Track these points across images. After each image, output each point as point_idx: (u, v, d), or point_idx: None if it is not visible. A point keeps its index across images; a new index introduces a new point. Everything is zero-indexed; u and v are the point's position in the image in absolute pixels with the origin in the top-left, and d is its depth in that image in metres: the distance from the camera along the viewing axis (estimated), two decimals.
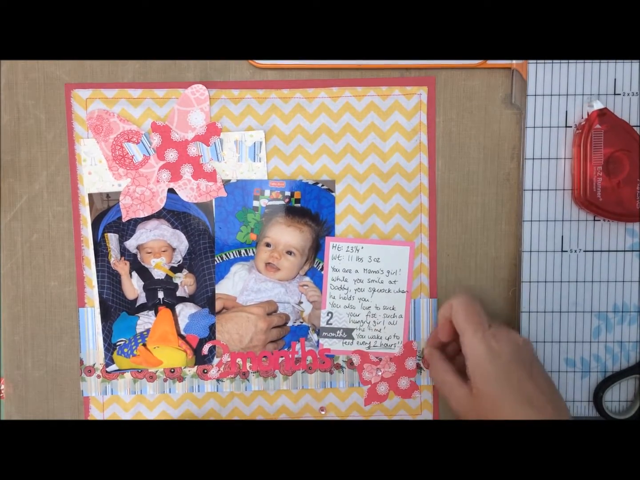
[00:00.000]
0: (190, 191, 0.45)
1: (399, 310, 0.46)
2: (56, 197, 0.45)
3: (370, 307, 0.46)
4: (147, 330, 0.46)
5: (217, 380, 0.46)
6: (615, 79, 0.43)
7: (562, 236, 0.45)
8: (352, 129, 0.45)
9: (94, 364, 0.46)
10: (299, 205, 0.45)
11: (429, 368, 0.45)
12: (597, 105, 0.42)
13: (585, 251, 0.45)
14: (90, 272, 0.45)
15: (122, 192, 0.45)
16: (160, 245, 0.46)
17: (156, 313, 0.46)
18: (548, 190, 0.44)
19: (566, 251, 0.45)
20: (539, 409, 0.37)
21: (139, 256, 0.46)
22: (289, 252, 0.46)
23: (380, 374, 0.46)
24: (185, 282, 0.46)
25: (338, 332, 0.46)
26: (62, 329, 0.46)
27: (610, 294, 0.45)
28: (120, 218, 0.45)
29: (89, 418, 0.46)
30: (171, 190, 0.45)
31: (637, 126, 0.43)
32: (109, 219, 0.45)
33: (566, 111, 0.44)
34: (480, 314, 0.41)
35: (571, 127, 0.44)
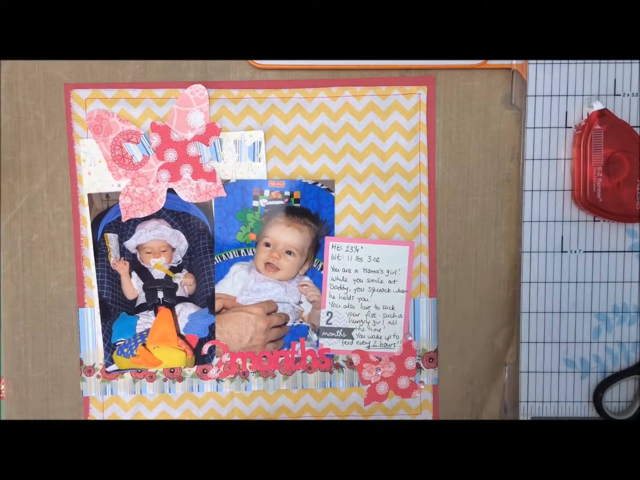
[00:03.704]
0: (189, 191, 0.45)
1: (398, 310, 0.46)
2: (56, 197, 0.45)
3: (369, 306, 0.46)
4: (147, 330, 0.46)
5: (217, 380, 0.46)
6: (615, 80, 0.43)
7: (562, 237, 0.45)
8: (351, 128, 0.45)
9: (94, 364, 0.46)
10: (298, 205, 0.45)
11: None
12: (597, 105, 0.42)
13: (585, 252, 0.45)
14: (90, 272, 0.45)
15: (121, 192, 0.45)
16: (160, 245, 0.46)
17: (156, 313, 0.46)
18: (548, 190, 0.44)
19: (566, 252, 0.45)
20: None
21: (138, 256, 0.46)
22: (289, 252, 0.46)
23: (379, 373, 0.46)
24: (184, 282, 0.46)
25: (338, 331, 0.46)
26: (62, 329, 0.46)
27: (610, 294, 0.45)
28: (119, 218, 0.45)
29: (89, 418, 0.46)
30: (171, 190, 0.45)
31: (637, 127, 0.43)
32: (109, 219, 0.45)
33: (566, 112, 0.44)
34: None
35: (571, 127, 0.44)
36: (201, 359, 0.46)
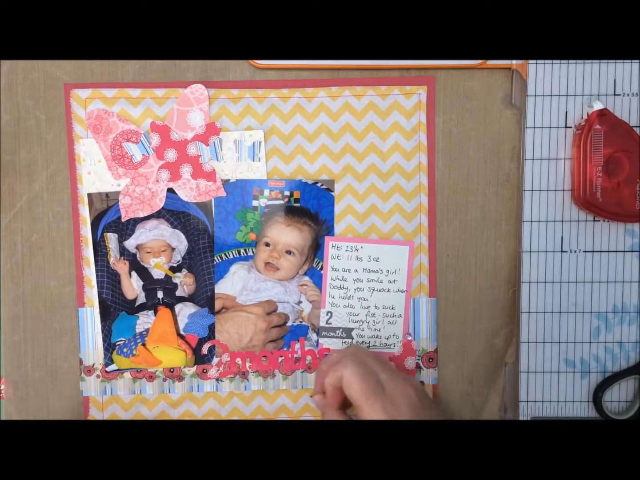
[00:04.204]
0: (189, 191, 0.45)
1: (398, 310, 0.46)
2: (56, 197, 0.45)
3: (369, 306, 0.46)
4: (147, 330, 0.46)
5: (217, 380, 0.46)
6: (615, 80, 0.43)
7: (562, 236, 0.45)
8: (351, 128, 0.45)
9: (94, 364, 0.46)
10: (298, 204, 0.45)
11: (322, 416, 0.42)
12: (597, 105, 0.42)
13: (585, 251, 0.45)
14: (90, 272, 0.45)
15: (121, 192, 0.45)
16: (160, 245, 0.46)
17: (155, 313, 0.46)
18: (548, 190, 0.44)
19: (566, 251, 0.45)
20: None
21: (138, 256, 0.46)
22: (289, 252, 0.46)
23: None
24: (184, 282, 0.46)
25: (337, 331, 0.46)
26: (62, 329, 0.46)
27: (609, 294, 0.45)
28: (119, 218, 0.45)
29: (89, 418, 0.46)
30: (170, 190, 0.45)
31: (637, 127, 0.43)
32: (108, 218, 0.45)
33: (566, 111, 0.44)
34: (371, 381, 0.39)
35: (571, 127, 0.44)
36: (201, 359, 0.46)
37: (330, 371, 0.40)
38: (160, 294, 0.46)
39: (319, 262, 0.46)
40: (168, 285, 0.46)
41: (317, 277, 0.46)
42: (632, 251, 0.45)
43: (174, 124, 0.44)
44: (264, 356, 0.46)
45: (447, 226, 0.46)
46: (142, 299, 0.46)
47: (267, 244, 0.46)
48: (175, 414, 0.46)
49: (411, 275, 0.46)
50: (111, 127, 0.44)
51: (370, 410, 0.38)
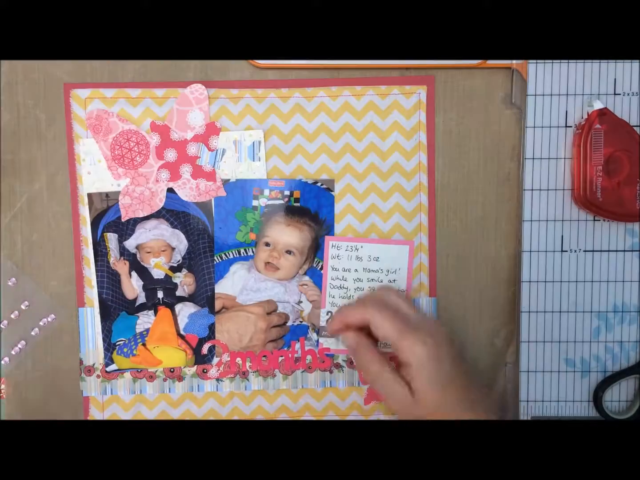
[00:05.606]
0: (189, 191, 0.45)
1: None
2: (56, 196, 0.45)
3: None
4: (147, 330, 0.46)
5: (217, 379, 0.46)
6: (615, 79, 0.43)
7: (562, 236, 0.45)
8: (351, 128, 0.45)
9: (94, 364, 0.46)
10: (298, 204, 0.45)
11: (354, 355, 0.41)
12: (597, 105, 0.42)
13: (585, 251, 0.45)
14: (90, 272, 0.45)
15: (121, 192, 0.45)
16: (160, 244, 0.46)
17: (156, 313, 0.46)
18: (548, 190, 0.44)
19: (566, 251, 0.45)
20: (479, 415, 0.38)
21: (138, 256, 0.46)
22: (289, 252, 0.46)
23: None
24: (184, 282, 0.46)
25: None
26: (62, 329, 0.46)
27: (610, 294, 0.45)
28: (119, 218, 0.45)
29: (89, 418, 0.46)
30: (170, 190, 0.45)
31: (637, 126, 0.43)
32: (108, 218, 0.45)
33: (566, 111, 0.44)
34: (402, 315, 0.39)
35: (571, 127, 0.44)
36: (201, 359, 0.46)
37: (353, 312, 0.40)
38: (160, 294, 0.46)
39: (319, 262, 0.46)
40: (168, 285, 0.46)
41: (317, 277, 0.46)
42: (632, 251, 0.45)
43: (174, 124, 0.44)
44: (264, 356, 0.46)
45: (447, 226, 0.46)
46: (142, 299, 0.46)
47: (267, 244, 0.46)
48: (175, 414, 0.46)
49: (411, 275, 0.46)
50: (111, 127, 0.44)
51: (409, 343, 0.38)
